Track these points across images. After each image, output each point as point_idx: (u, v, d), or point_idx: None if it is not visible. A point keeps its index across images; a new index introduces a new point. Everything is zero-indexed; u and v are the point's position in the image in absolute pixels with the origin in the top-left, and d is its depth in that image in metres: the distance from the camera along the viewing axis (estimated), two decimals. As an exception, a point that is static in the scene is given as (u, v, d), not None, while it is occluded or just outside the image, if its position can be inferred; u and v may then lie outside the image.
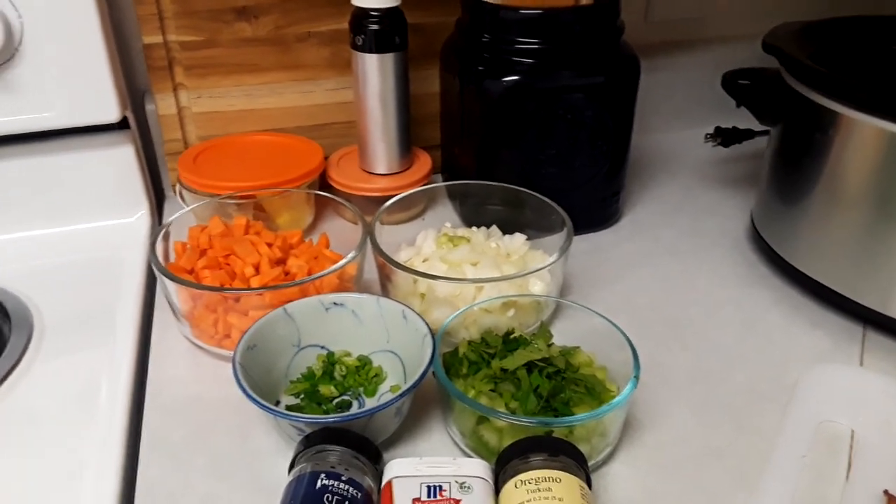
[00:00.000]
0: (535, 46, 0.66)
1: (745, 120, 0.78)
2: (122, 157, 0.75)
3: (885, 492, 0.46)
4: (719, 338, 0.62)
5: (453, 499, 0.42)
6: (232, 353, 0.50)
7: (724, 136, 0.87)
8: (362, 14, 0.69)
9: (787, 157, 0.66)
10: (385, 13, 0.69)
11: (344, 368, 0.55)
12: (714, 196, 0.84)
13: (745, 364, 0.59)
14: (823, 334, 0.62)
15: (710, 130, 0.89)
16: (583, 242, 0.74)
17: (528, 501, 0.41)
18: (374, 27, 0.69)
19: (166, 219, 0.69)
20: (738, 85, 0.69)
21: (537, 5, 0.66)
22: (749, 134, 0.87)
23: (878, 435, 0.51)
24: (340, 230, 0.68)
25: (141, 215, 0.77)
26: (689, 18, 0.93)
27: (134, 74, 0.81)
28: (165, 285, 0.58)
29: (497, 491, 0.44)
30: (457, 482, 0.43)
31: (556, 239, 0.64)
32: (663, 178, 0.88)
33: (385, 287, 0.63)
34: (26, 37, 0.66)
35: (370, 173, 0.77)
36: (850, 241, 0.60)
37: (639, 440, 0.52)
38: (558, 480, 0.42)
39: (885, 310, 0.59)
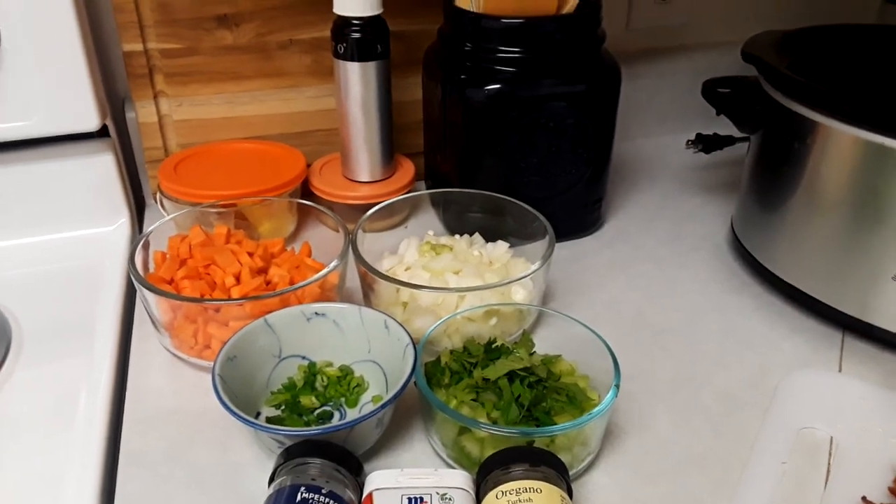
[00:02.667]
0: (517, 55, 0.66)
1: (725, 126, 0.79)
2: (101, 166, 0.74)
3: (864, 498, 0.47)
4: (700, 344, 0.62)
5: (434, 510, 0.42)
6: (212, 364, 0.50)
7: (705, 143, 0.88)
8: (344, 22, 0.69)
9: (767, 165, 0.66)
10: (367, 21, 0.69)
11: (325, 379, 0.55)
12: (695, 202, 0.85)
13: (725, 370, 0.59)
14: (803, 341, 0.62)
15: (692, 137, 0.89)
16: (565, 249, 0.74)
17: (508, 512, 0.41)
18: (356, 35, 0.69)
19: (146, 228, 0.68)
20: (718, 93, 0.70)
21: (519, 14, 0.66)
22: (730, 140, 0.88)
23: (856, 441, 0.52)
24: (323, 239, 0.68)
25: (121, 224, 0.76)
26: (671, 26, 0.93)
27: (114, 82, 0.80)
28: (144, 296, 0.57)
29: (478, 502, 0.44)
30: (438, 494, 0.43)
31: (539, 246, 0.64)
32: (645, 184, 0.88)
33: (367, 296, 0.63)
34: (4, 45, 0.65)
35: (353, 181, 0.77)
36: (828, 249, 0.61)
37: (620, 448, 0.52)
38: (539, 491, 0.42)
39: (863, 316, 0.60)
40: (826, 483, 0.49)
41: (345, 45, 0.69)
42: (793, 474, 0.49)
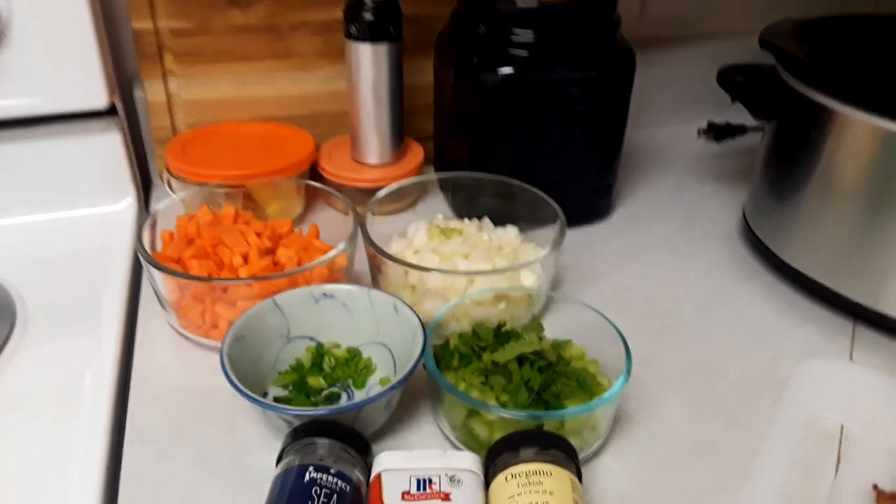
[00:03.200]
0: (531, 39, 0.65)
1: (737, 115, 0.78)
2: (109, 144, 0.73)
3: (875, 486, 0.46)
4: (710, 332, 0.62)
5: (443, 492, 0.42)
6: (219, 343, 0.50)
7: (717, 132, 0.87)
8: (357, 3, 0.68)
9: (781, 153, 0.66)
10: (380, 3, 0.68)
11: (333, 360, 0.55)
12: (706, 190, 0.84)
13: (735, 359, 0.59)
14: (814, 329, 0.62)
15: (704, 125, 0.89)
16: (575, 235, 0.73)
17: (518, 495, 0.41)
18: (369, 17, 0.68)
19: (153, 207, 0.68)
20: (734, 81, 0.69)
21: (533, -3, 0.65)
22: (741, 129, 0.87)
23: (866, 430, 0.52)
24: (331, 221, 0.67)
25: (127, 203, 0.76)
26: (685, 13, 0.92)
27: (122, 60, 0.80)
28: (152, 274, 0.57)
29: (487, 484, 0.43)
30: (447, 475, 0.43)
31: (549, 232, 0.64)
32: (656, 171, 0.87)
33: (376, 278, 0.62)
34: (14, 21, 0.65)
35: (362, 163, 0.77)
36: (841, 238, 0.60)
37: (629, 434, 0.51)
38: (549, 474, 0.42)
39: (874, 305, 0.59)
40: (836, 471, 0.49)
41: (357, 26, 0.69)
42: (803, 462, 0.49)
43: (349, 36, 0.70)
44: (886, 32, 0.71)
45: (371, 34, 0.69)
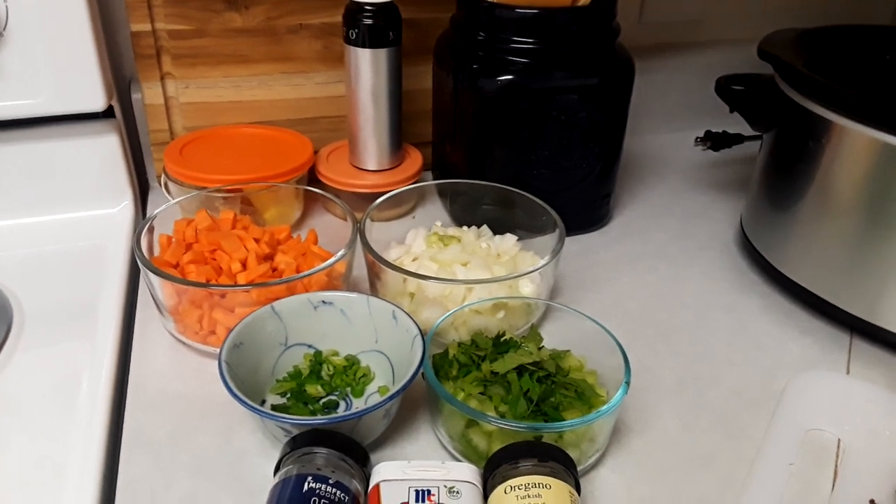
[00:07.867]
0: (531, 46, 0.65)
1: (735, 124, 0.78)
2: (106, 147, 0.73)
3: (871, 501, 0.46)
4: (708, 343, 0.62)
5: (441, 504, 0.42)
6: (217, 349, 0.50)
7: (715, 140, 0.88)
8: (356, 8, 0.68)
9: (779, 164, 0.66)
10: (380, 8, 0.68)
11: (331, 368, 0.55)
12: (703, 200, 0.84)
13: (733, 370, 0.59)
14: (811, 342, 0.62)
15: (701, 134, 0.89)
16: (573, 244, 0.73)
17: (517, 507, 0.41)
18: (368, 21, 0.68)
19: (151, 210, 0.67)
20: (732, 90, 0.69)
21: (533, 4, 0.65)
22: (739, 139, 0.87)
23: (863, 444, 0.52)
24: (329, 226, 0.67)
25: (125, 206, 0.75)
26: (684, 21, 0.92)
27: (120, 62, 0.79)
28: (150, 279, 0.56)
29: (486, 496, 0.43)
30: (445, 486, 0.43)
31: (547, 240, 0.64)
32: (653, 180, 0.87)
33: (374, 285, 0.62)
34: (11, 22, 0.64)
35: (360, 169, 0.76)
36: (838, 250, 0.60)
37: (627, 445, 0.51)
38: (548, 486, 0.42)
39: (871, 318, 0.60)
40: (833, 485, 0.49)
41: (356, 30, 0.69)
42: (800, 476, 0.49)
43: (348, 41, 0.70)
44: (882, 44, 0.71)
45: (370, 39, 0.69)
